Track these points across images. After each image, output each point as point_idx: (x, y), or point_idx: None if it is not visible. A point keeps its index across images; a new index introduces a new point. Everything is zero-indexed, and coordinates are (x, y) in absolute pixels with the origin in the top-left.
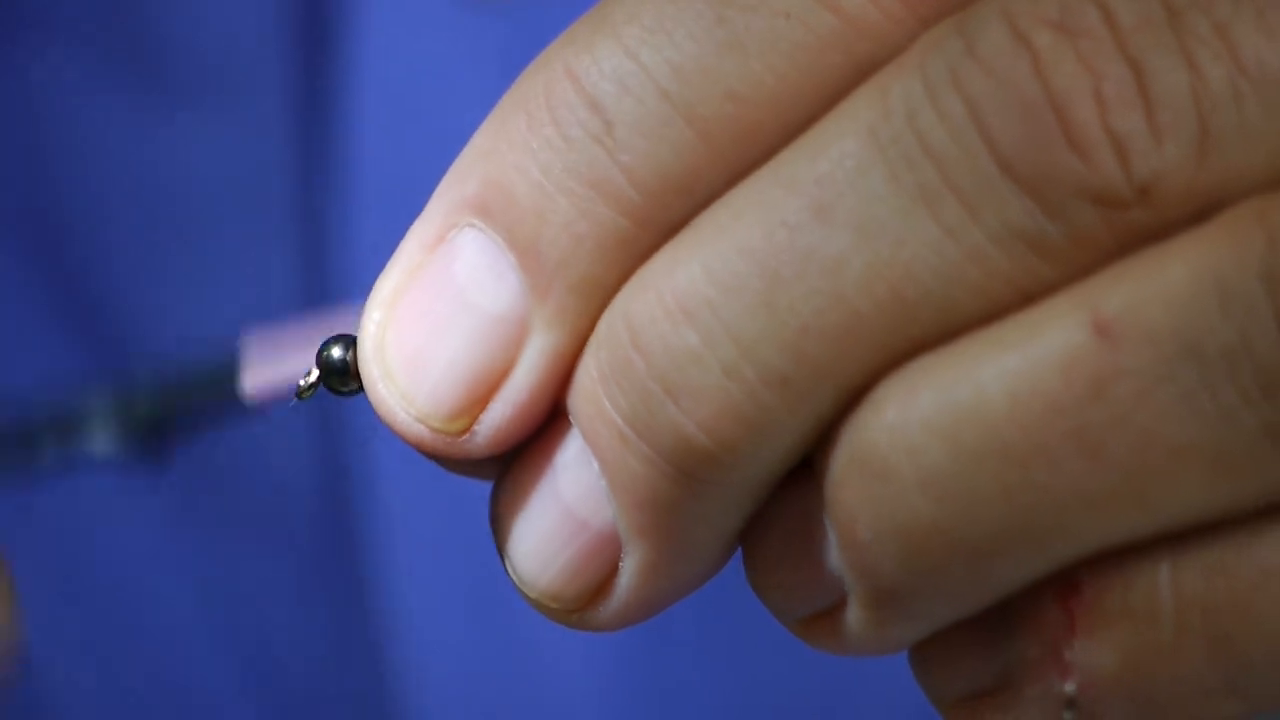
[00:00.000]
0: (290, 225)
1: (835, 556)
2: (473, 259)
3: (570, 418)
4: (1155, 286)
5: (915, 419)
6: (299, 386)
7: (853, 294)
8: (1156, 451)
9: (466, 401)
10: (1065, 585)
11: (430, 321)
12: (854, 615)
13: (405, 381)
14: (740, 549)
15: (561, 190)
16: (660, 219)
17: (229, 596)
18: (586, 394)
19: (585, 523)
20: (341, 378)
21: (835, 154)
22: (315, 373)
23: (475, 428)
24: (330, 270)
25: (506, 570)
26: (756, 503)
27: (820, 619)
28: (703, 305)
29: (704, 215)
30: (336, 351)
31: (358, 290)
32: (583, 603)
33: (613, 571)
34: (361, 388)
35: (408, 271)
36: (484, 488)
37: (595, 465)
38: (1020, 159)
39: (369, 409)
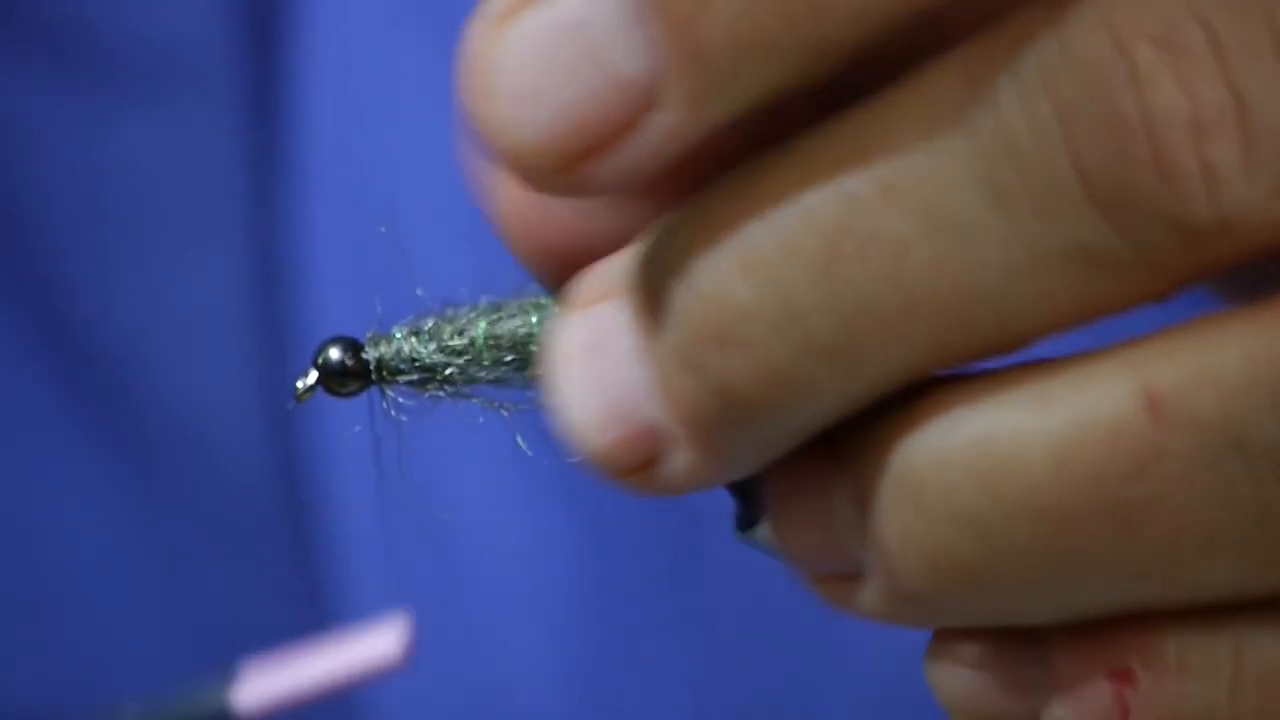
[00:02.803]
0: (242, 219)
1: (859, 544)
2: (606, 11)
3: (630, 314)
4: (1210, 368)
5: (956, 457)
6: (297, 389)
7: (911, 281)
8: (1192, 535)
9: (574, 148)
10: (1119, 669)
11: (551, 60)
12: (870, 595)
13: (511, 110)
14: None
15: None
16: (817, 36)
17: (183, 590)
18: (648, 306)
19: (632, 414)
20: (340, 379)
21: (910, 131)
22: (314, 374)
23: (580, 170)
24: (282, 262)
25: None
26: (795, 443)
27: (838, 582)
28: (761, 263)
29: (778, 153)
30: (335, 353)
31: (311, 282)
32: (633, 471)
33: (657, 457)
34: (360, 389)
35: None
36: (439, 480)
37: (647, 369)
38: (1103, 176)
39: (324, 410)
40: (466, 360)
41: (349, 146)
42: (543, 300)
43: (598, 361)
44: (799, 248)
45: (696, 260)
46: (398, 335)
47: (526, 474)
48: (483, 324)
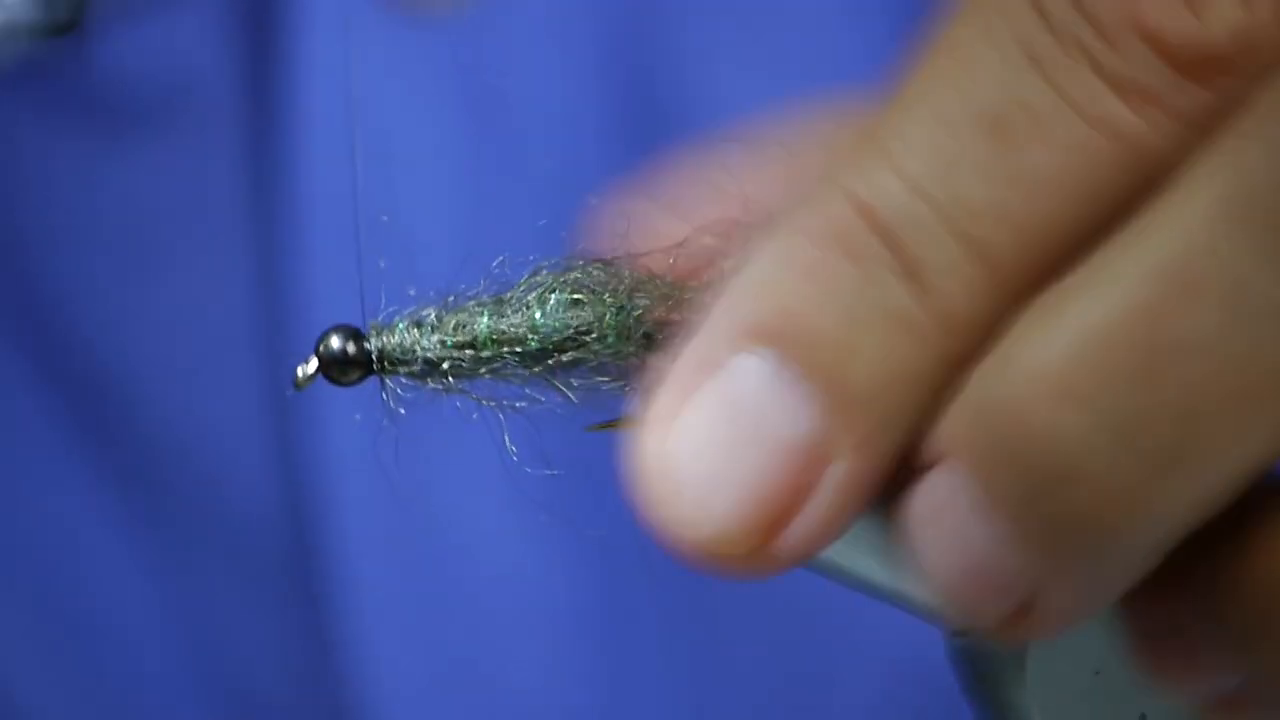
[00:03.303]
0: (242, 245)
1: (1239, 667)
2: (760, 386)
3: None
4: None
5: None
6: (297, 377)
7: (1234, 370)
8: None
9: (761, 525)
10: None
11: (718, 447)
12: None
13: (694, 505)
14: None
15: (868, 326)
16: (956, 353)
17: (191, 613)
18: (989, 466)
19: (999, 573)
20: (342, 367)
21: (1191, 230)
22: (314, 362)
23: (773, 548)
24: (285, 287)
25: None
26: (1146, 571)
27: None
28: (1078, 392)
29: (1059, 296)
30: (336, 341)
31: (313, 303)
32: (1009, 625)
33: (1029, 606)
34: (362, 378)
35: (683, 394)
36: (441, 498)
37: (997, 526)
38: None
39: (327, 428)
40: (469, 353)
41: (347, 168)
42: (550, 293)
43: (944, 525)
44: (1112, 366)
45: (1019, 412)
46: (400, 326)
47: (524, 491)
48: (485, 318)
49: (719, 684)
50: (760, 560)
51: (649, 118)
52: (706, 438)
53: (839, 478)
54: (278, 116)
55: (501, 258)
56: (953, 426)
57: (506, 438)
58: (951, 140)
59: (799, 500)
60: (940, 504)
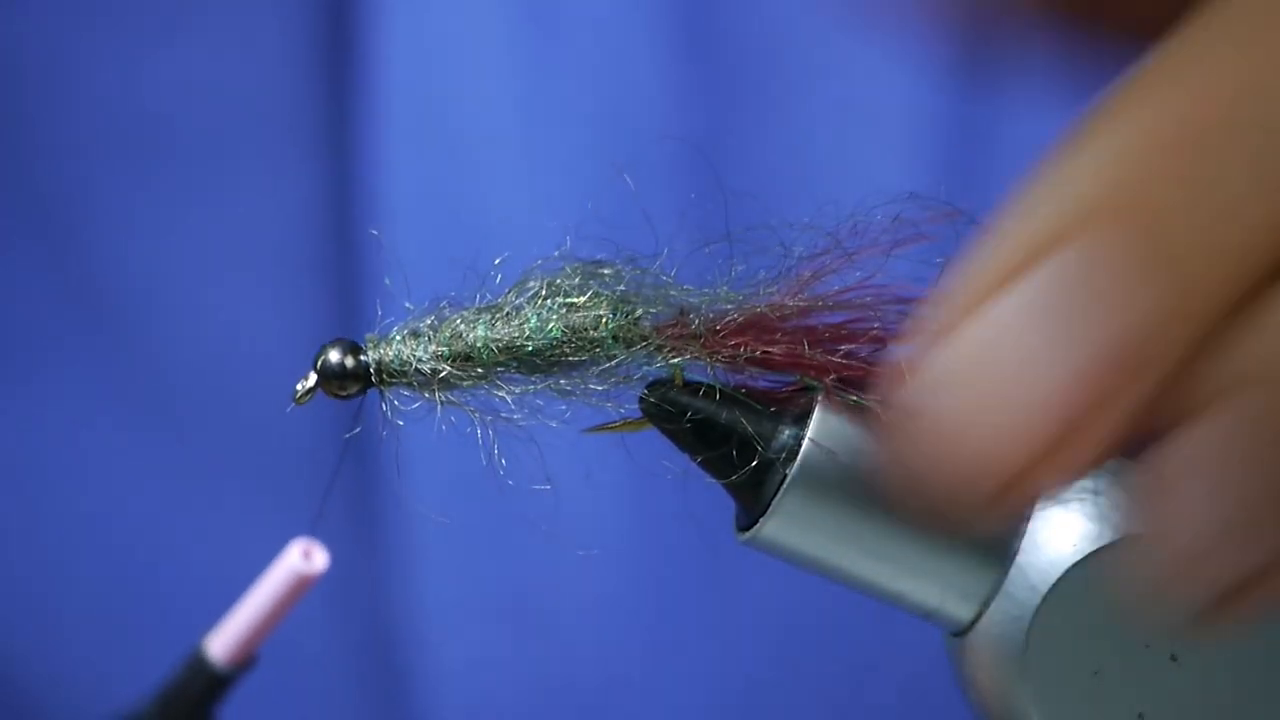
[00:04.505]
0: (315, 149)
1: None
2: (1102, 270)
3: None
4: None
5: None
6: (296, 391)
7: None
8: None
9: (1068, 423)
10: None
11: (1039, 335)
12: None
13: (995, 401)
14: None
15: (1217, 225)
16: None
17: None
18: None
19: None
20: (340, 381)
21: None
22: (313, 376)
23: (1069, 455)
24: (356, 194)
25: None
26: None
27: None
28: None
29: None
30: (334, 355)
31: (383, 213)
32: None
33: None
34: (360, 392)
35: (1006, 272)
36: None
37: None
38: None
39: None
40: (466, 363)
41: (424, 77)
42: (543, 300)
43: (1205, 476)
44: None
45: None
46: (397, 338)
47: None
48: (481, 328)
49: (756, 656)
50: (1056, 463)
51: (702, 35)
52: (1028, 325)
53: (1160, 370)
54: (354, 23)
55: (501, 257)
56: (1244, 363)
57: (496, 450)
58: None
59: (1115, 398)
60: (1206, 454)
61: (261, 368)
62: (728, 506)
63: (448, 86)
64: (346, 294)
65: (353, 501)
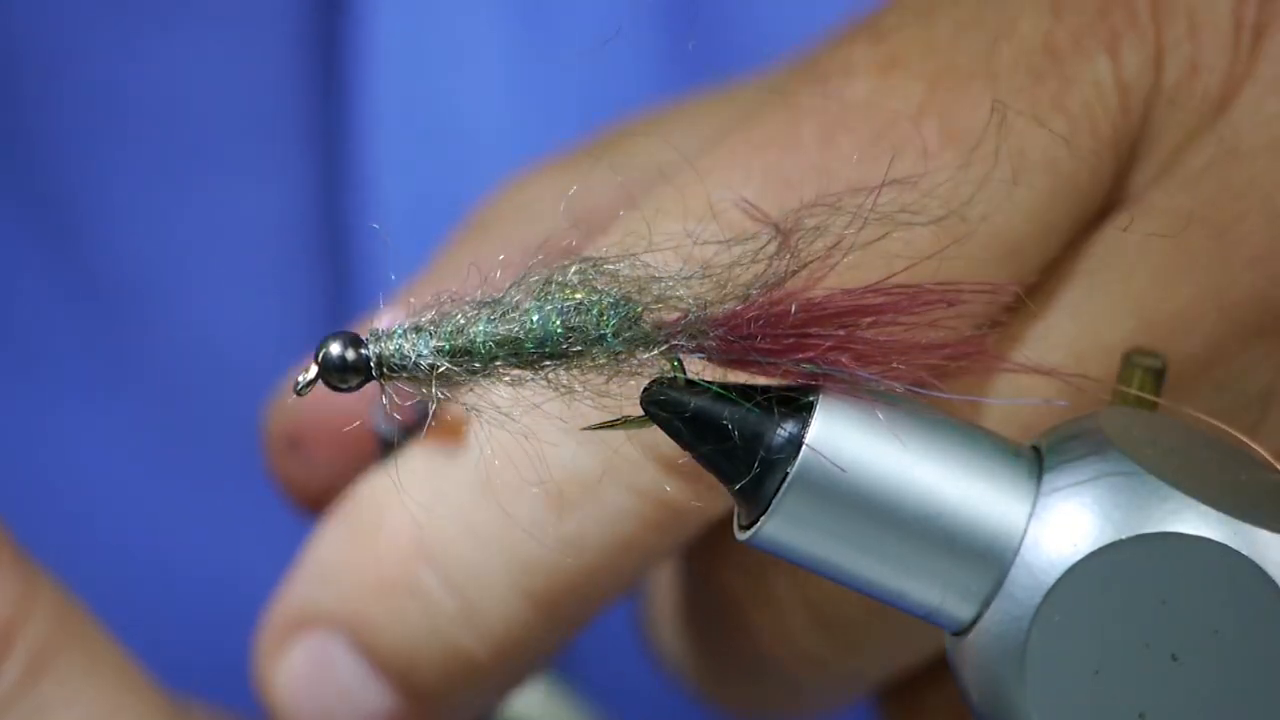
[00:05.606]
0: (310, 142)
1: None
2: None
3: None
4: None
5: None
6: (297, 382)
7: None
8: None
9: None
10: None
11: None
12: None
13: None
14: None
15: None
16: None
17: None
18: None
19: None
20: (340, 374)
21: None
22: (313, 369)
23: None
24: (350, 186)
25: None
26: None
27: None
28: None
29: None
30: (335, 347)
31: (377, 205)
32: None
33: None
34: (361, 384)
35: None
36: None
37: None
38: None
39: None
40: (466, 358)
41: (414, 71)
42: (544, 296)
43: None
44: None
45: None
46: (398, 332)
47: None
48: (482, 323)
49: None
50: None
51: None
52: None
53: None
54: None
55: (501, 256)
56: None
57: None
58: None
59: None
60: None
61: (258, 359)
62: None
63: (440, 80)
64: (341, 284)
65: None
